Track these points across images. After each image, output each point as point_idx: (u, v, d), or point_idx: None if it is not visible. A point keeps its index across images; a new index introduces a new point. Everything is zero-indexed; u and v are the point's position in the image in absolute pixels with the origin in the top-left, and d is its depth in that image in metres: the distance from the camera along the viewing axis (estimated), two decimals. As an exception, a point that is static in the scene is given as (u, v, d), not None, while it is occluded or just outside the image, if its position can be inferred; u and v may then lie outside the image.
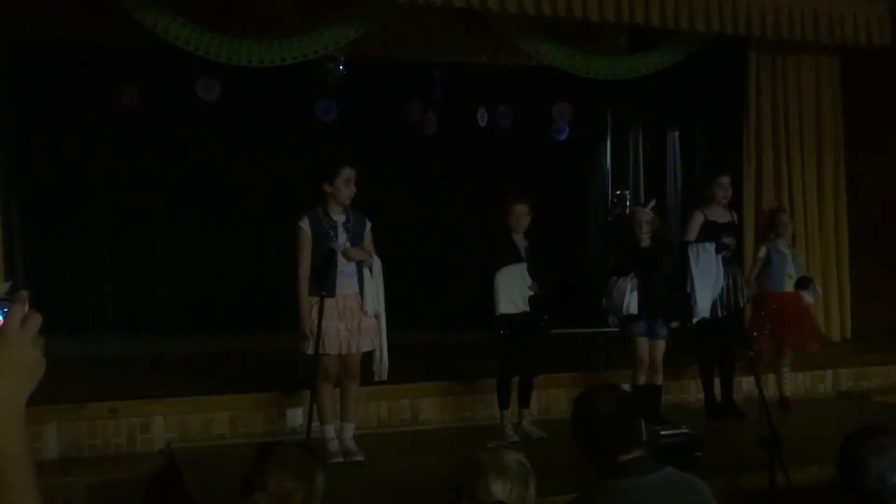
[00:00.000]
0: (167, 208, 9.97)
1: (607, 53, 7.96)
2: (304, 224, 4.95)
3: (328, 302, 4.77)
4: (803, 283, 6.18)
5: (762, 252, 6.25)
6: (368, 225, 5.13)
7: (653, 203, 5.89)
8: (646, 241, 5.72)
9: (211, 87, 9.01)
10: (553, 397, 6.04)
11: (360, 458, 4.85)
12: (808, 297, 6.26)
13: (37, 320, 1.17)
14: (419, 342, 8.45)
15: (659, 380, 5.81)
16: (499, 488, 2.46)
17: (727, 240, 5.98)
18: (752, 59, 7.99)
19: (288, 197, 10.17)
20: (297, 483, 2.57)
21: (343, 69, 8.98)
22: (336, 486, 4.05)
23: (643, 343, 5.70)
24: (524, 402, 5.60)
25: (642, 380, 5.73)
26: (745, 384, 6.35)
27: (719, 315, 5.97)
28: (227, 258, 10.22)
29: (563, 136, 10.65)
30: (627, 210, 5.81)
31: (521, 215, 5.46)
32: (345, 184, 4.95)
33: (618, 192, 10.72)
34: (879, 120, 7.93)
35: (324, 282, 4.78)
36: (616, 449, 2.68)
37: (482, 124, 10.48)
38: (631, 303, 5.58)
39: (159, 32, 6.33)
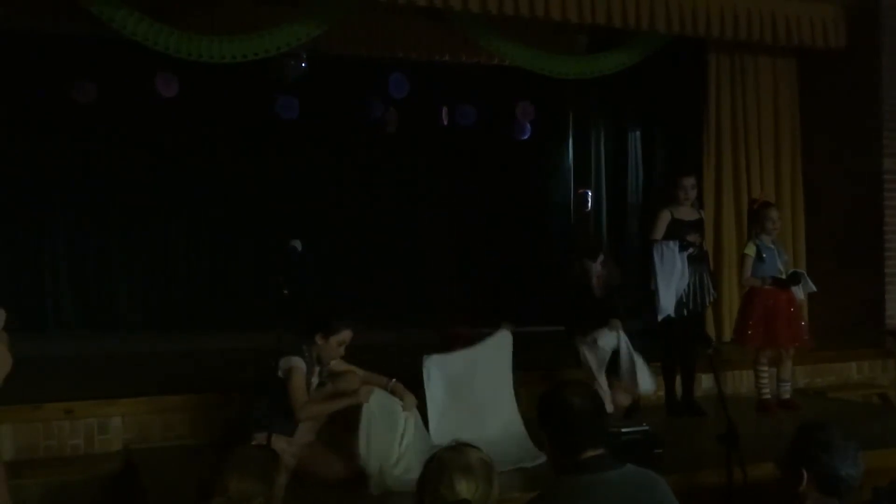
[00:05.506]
0: (124, 205, 9.85)
1: (568, 53, 8.00)
2: (300, 363, 4.43)
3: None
4: (795, 278, 6.10)
5: (751, 249, 6.11)
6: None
7: (601, 258, 5.93)
8: (600, 293, 5.82)
9: (169, 84, 8.90)
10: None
11: None
12: (800, 293, 6.18)
13: (1, 317, 1.15)
14: (377, 341, 8.41)
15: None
16: (463, 486, 2.46)
17: (691, 237, 6.03)
18: (712, 59, 8.07)
19: (247, 194, 10.12)
20: (256, 485, 2.54)
21: (305, 66, 8.93)
22: (296, 488, 4.04)
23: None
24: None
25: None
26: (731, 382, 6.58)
27: (684, 313, 6.01)
28: (186, 256, 10.13)
29: (526, 135, 10.69)
30: (584, 264, 5.92)
31: None
32: (338, 344, 4.59)
33: (580, 191, 10.80)
34: (834, 120, 8.06)
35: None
36: (585, 444, 2.70)
37: (444, 123, 10.49)
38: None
39: (116, 27, 6.22)
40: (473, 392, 5.07)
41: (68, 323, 9.63)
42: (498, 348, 5.30)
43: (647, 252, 6.06)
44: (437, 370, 5.00)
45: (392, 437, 4.42)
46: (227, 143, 9.95)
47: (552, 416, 2.79)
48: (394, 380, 4.67)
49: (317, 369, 4.61)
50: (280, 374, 4.39)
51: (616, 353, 5.72)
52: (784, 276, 6.12)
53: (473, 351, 5.25)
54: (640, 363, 5.73)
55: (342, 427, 4.58)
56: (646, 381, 5.76)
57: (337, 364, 4.73)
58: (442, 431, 4.81)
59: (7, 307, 3.33)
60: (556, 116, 10.95)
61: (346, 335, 4.59)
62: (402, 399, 4.57)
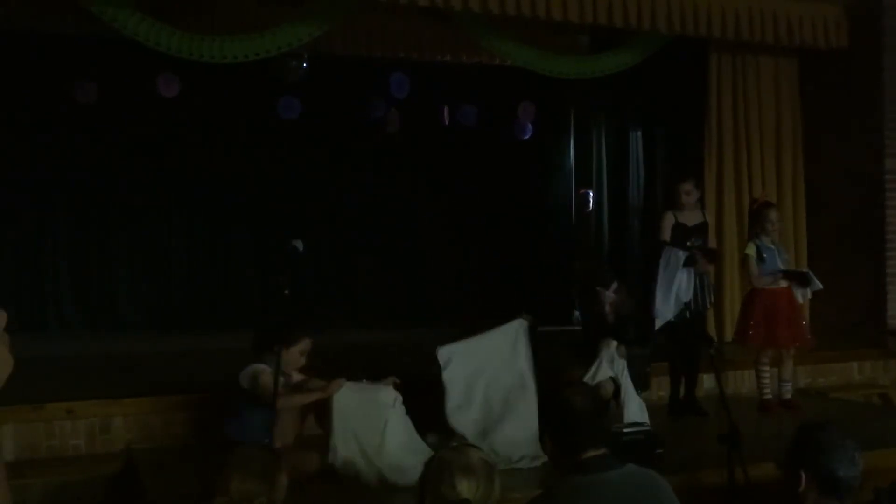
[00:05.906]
0: (124, 205, 9.85)
1: (569, 53, 7.99)
2: (265, 367, 4.55)
3: None
4: (803, 279, 6.08)
5: (751, 250, 6.09)
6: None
7: (615, 286, 5.87)
8: (612, 319, 5.80)
9: (171, 84, 8.89)
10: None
11: None
12: (807, 294, 6.16)
13: (2, 318, 1.15)
14: (377, 341, 8.42)
15: None
16: (464, 486, 2.46)
17: (694, 244, 6.01)
18: (713, 59, 8.07)
19: (248, 195, 10.13)
20: (258, 485, 2.54)
21: (306, 66, 8.93)
22: (296, 489, 4.03)
23: None
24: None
25: None
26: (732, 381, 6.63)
27: (687, 314, 6.01)
28: (186, 256, 10.12)
29: (527, 135, 10.69)
30: (597, 292, 5.89)
31: None
32: (300, 354, 4.72)
33: (581, 191, 10.80)
34: (836, 120, 8.05)
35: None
36: (586, 444, 2.70)
37: (445, 123, 10.48)
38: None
39: (117, 27, 6.22)
40: (487, 382, 5.05)
41: (69, 323, 9.63)
42: (507, 336, 5.22)
43: (656, 253, 6.07)
44: (454, 358, 5.01)
45: (374, 427, 4.48)
46: (228, 143, 9.93)
47: (553, 417, 2.80)
48: (364, 380, 4.71)
49: (281, 380, 4.63)
50: (245, 385, 4.47)
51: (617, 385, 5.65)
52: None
53: (484, 337, 5.21)
54: (636, 400, 5.64)
55: (320, 424, 4.64)
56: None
57: (298, 376, 4.76)
58: (459, 418, 4.87)
59: (7, 308, 3.33)
60: (557, 116, 10.95)
61: (306, 344, 4.73)
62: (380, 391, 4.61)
